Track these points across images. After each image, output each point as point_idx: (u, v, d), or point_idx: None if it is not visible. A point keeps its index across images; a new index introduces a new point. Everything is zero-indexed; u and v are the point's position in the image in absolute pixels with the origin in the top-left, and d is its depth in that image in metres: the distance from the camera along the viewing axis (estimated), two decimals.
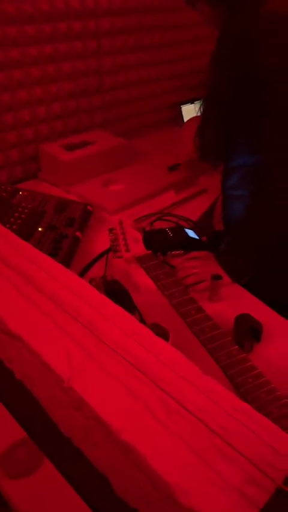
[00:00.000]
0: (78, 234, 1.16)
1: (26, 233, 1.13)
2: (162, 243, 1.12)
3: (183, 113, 2.01)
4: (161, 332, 0.82)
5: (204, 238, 1.17)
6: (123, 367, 0.41)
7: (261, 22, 0.90)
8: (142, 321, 0.88)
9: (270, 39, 0.91)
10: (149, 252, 1.02)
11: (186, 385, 0.39)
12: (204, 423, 0.36)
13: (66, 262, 1.07)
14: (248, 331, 0.86)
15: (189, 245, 1.13)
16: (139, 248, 1.03)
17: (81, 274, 1.07)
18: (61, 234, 1.14)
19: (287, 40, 0.91)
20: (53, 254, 1.07)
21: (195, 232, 1.19)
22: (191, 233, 1.17)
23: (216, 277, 0.96)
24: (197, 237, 1.16)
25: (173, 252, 1.12)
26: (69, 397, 0.40)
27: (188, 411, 0.37)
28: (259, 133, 0.97)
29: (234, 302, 0.97)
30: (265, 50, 0.91)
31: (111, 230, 1.10)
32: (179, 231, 1.18)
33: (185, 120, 1.98)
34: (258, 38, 0.91)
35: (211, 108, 1.07)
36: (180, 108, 2.00)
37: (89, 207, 1.27)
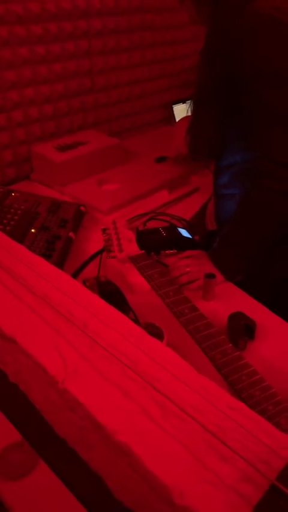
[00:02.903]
0: (71, 234, 1.16)
1: (19, 235, 1.13)
2: (155, 242, 1.12)
3: (175, 112, 2.01)
4: (155, 331, 0.83)
5: (197, 238, 1.17)
6: (117, 368, 0.41)
7: (245, 21, 0.91)
8: (136, 320, 0.88)
9: (254, 38, 0.91)
10: (143, 251, 1.02)
11: (181, 385, 0.39)
12: (199, 422, 0.36)
13: (60, 263, 1.07)
14: (242, 329, 0.86)
15: (183, 244, 1.13)
16: (132, 248, 1.03)
17: (75, 275, 1.07)
18: (54, 235, 1.14)
19: (270, 39, 0.91)
20: (47, 255, 1.07)
21: (189, 231, 1.19)
22: (184, 232, 1.17)
23: (210, 276, 0.97)
24: (190, 236, 1.17)
25: (166, 251, 1.12)
26: (63, 399, 0.40)
27: (183, 411, 0.37)
28: (250, 131, 0.97)
29: (227, 300, 0.98)
30: (249, 48, 0.91)
31: (104, 230, 1.10)
32: (172, 230, 1.18)
33: (177, 119, 1.99)
34: (242, 36, 0.91)
35: (201, 107, 1.08)
36: (172, 107, 2.01)
37: (82, 208, 1.27)
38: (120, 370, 0.41)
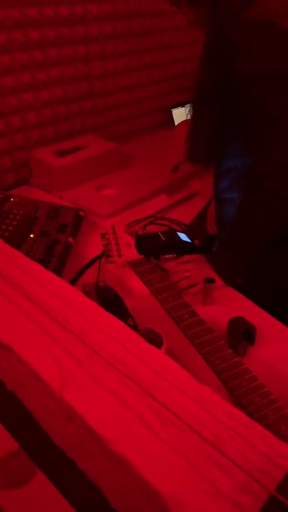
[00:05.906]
0: (70, 239, 1.16)
1: (17, 240, 1.12)
2: (154, 247, 1.12)
3: (174, 116, 2.01)
4: (154, 337, 0.82)
5: (196, 242, 1.17)
6: (115, 376, 0.40)
7: (244, 23, 0.91)
8: (135, 326, 0.87)
9: (253, 39, 0.91)
10: (142, 256, 1.02)
11: (178, 394, 0.39)
12: (196, 432, 0.36)
13: (59, 269, 1.06)
14: (242, 334, 0.86)
15: (182, 249, 1.12)
16: (132, 253, 1.03)
17: (74, 280, 1.06)
18: (53, 240, 1.14)
19: (269, 40, 0.92)
20: (45, 260, 1.06)
21: (188, 235, 1.19)
22: (183, 236, 1.17)
23: (209, 281, 0.96)
24: (189, 241, 1.16)
25: (165, 256, 1.11)
26: (60, 408, 0.40)
27: (180, 420, 0.37)
28: (249, 131, 0.97)
29: (227, 305, 0.97)
30: (248, 49, 0.91)
31: (103, 235, 1.10)
32: (172, 234, 1.17)
33: (176, 123, 1.99)
34: (241, 37, 0.91)
35: (201, 107, 1.08)
36: (171, 111, 2.01)
37: (81, 213, 1.27)
38: (117, 378, 0.40)
